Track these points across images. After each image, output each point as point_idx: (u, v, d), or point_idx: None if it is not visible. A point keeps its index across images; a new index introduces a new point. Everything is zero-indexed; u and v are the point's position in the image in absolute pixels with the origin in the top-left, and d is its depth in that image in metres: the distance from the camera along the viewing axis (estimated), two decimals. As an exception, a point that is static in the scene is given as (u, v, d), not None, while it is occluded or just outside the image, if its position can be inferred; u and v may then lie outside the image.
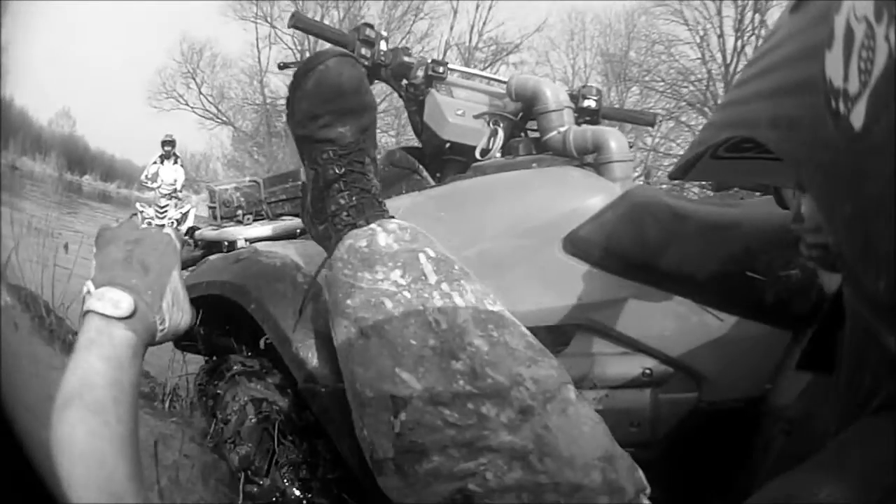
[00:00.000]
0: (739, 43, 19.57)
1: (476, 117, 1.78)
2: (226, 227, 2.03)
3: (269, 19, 22.66)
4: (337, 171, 1.24)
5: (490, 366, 1.03)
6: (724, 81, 19.25)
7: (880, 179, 0.43)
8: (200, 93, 23.40)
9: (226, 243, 1.96)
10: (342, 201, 1.24)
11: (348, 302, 1.13)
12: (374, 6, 22.72)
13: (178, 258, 1.08)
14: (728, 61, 19.72)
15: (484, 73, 1.98)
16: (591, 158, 1.68)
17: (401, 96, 1.88)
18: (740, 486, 1.39)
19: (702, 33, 20.33)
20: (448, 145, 1.77)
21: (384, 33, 1.84)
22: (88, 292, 0.94)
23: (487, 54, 22.33)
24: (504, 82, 1.86)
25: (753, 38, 18.81)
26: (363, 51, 1.79)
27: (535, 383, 1.03)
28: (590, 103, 1.98)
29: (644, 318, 1.48)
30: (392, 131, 21.56)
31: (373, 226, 1.19)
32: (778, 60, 0.62)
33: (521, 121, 1.85)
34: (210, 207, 2.17)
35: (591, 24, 23.13)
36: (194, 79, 23.57)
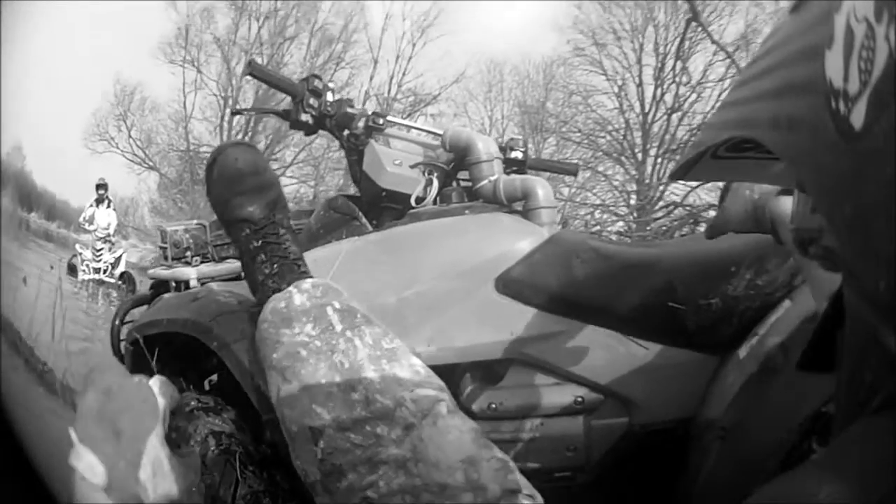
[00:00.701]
0: (659, 91, 19.93)
1: (412, 167, 1.88)
2: (175, 267, 2.09)
3: (196, 64, 22.51)
4: (255, 244, 1.44)
5: (379, 392, 1.23)
6: (643, 130, 19.60)
7: (880, 180, 0.44)
8: (130, 136, 22.99)
9: (173, 283, 2.01)
10: (266, 270, 1.43)
11: (274, 356, 1.32)
12: (296, 53, 22.81)
13: (159, 418, 1.11)
14: (647, 110, 20.05)
15: (420, 126, 2.09)
16: (520, 205, 1.81)
17: (342, 146, 1.97)
18: (679, 494, 1.52)
19: (620, 83, 20.60)
20: (385, 193, 1.86)
21: (331, 85, 1.93)
22: (72, 441, 0.96)
23: (406, 105, 22.56)
24: (439, 134, 1.97)
25: (674, 85, 19.23)
26: (311, 101, 1.87)
27: (414, 403, 1.22)
28: (517, 154, 2.10)
29: (574, 350, 1.58)
30: (311, 181, 21.61)
31: (290, 288, 1.38)
32: (778, 60, 0.63)
33: (454, 170, 1.95)
34: (161, 247, 2.23)
35: (509, 75, 23.34)
36: (125, 122, 23.12)
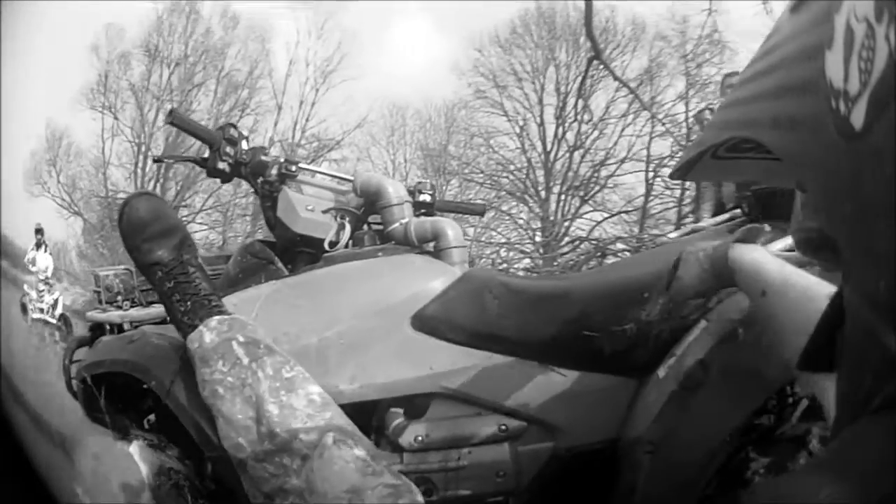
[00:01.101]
0: (560, 130, 20.28)
1: (324, 212, 1.94)
2: (109, 310, 2.11)
3: (112, 110, 22.12)
4: (169, 285, 1.56)
5: (278, 426, 1.36)
6: (545, 169, 19.96)
7: (880, 179, 0.44)
8: (59, 181, 22.42)
9: (108, 326, 2.04)
10: (182, 308, 1.55)
11: (204, 394, 1.44)
12: (204, 100, 22.69)
13: (145, 485, 1.25)
14: (549, 149, 20.35)
15: (331, 172, 2.15)
16: (431, 246, 1.88)
17: (257, 193, 2.02)
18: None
19: (522, 123, 20.87)
20: (299, 238, 1.91)
21: (246, 133, 1.98)
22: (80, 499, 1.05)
23: (310, 150, 22.51)
24: (349, 180, 2.04)
25: (575, 123, 19.60)
26: (227, 149, 1.92)
27: (306, 434, 1.35)
28: (425, 197, 2.17)
29: (494, 381, 1.65)
30: (220, 227, 21.38)
31: (200, 327, 1.50)
32: (778, 60, 0.63)
33: (364, 215, 2.02)
34: (95, 291, 2.25)
35: (411, 119, 23.25)
36: (55, 166, 22.49)
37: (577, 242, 11.68)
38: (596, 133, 19.84)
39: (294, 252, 1.94)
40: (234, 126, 1.98)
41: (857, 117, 0.46)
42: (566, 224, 18.62)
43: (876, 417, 0.50)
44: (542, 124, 20.99)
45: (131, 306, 2.14)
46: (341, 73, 22.74)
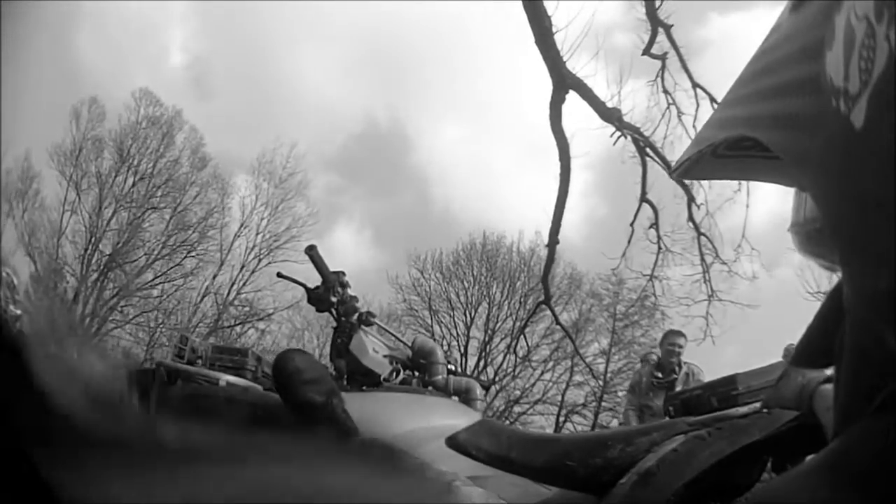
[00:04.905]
0: (482, 363, 21.65)
1: (384, 356, 2.67)
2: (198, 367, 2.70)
3: (77, 187, 22.00)
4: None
5: None
6: None
7: (880, 178, 0.43)
8: (23, 217, 21.39)
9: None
10: None
11: None
12: (156, 225, 22.98)
13: None
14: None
15: (392, 331, 2.91)
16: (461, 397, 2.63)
17: (337, 328, 2.70)
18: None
19: (446, 349, 21.51)
20: (364, 369, 2.61)
21: (349, 281, 2.74)
22: None
23: (240, 312, 22.86)
24: (404, 342, 2.81)
25: (495, 360, 21.00)
26: (339, 289, 2.66)
27: None
28: (451, 366, 2.91)
29: (503, 488, 2.33)
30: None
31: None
32: (778, 59, 0.62)
33: (411, 366, 2.76)
34: (179, 347, 2.79)
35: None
36: (23, 200, 21.30)
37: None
38: (514, 372, 21.21)
39: (356, 379, 2.64)
40: (344, 274, 2.73)
41: (858, 116, 0.46)
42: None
43: (876, 417, 0.50)
44: (464, 354, 22.30)
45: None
46: (285, 253, 23.19)
